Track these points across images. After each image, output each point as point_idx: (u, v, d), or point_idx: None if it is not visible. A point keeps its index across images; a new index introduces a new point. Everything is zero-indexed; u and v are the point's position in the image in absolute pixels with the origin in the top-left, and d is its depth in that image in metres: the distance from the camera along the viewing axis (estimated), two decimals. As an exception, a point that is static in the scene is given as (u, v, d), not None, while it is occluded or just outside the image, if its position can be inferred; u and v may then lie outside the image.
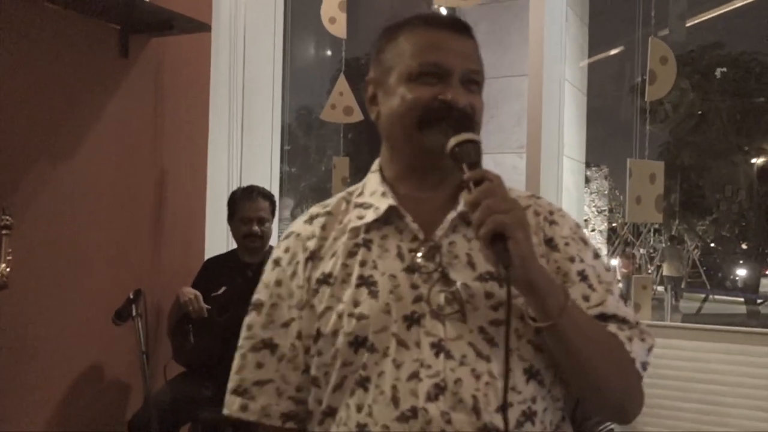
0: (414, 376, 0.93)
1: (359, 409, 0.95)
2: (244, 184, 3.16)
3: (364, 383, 0.95)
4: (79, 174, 2.71)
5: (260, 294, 1.08)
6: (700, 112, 19.66)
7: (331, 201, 1.12)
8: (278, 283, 1.06)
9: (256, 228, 2.81)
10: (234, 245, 2.96)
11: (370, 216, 1.04)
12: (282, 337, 1.04)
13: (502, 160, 3.73)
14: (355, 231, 1.04)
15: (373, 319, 0.96)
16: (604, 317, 1.00)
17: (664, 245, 17.34)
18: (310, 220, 1.10)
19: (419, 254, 1.00)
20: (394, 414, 0.92)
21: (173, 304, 2.82)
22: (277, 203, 3.01)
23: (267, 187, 3.01)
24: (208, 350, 2.67)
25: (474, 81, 1.03)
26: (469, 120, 1.00)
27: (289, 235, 1.10)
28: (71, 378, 2.72)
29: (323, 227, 1.07)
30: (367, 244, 1.02)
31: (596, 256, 1.07)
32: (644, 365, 1.00)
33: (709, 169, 19.71)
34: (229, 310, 2.68)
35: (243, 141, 3.48)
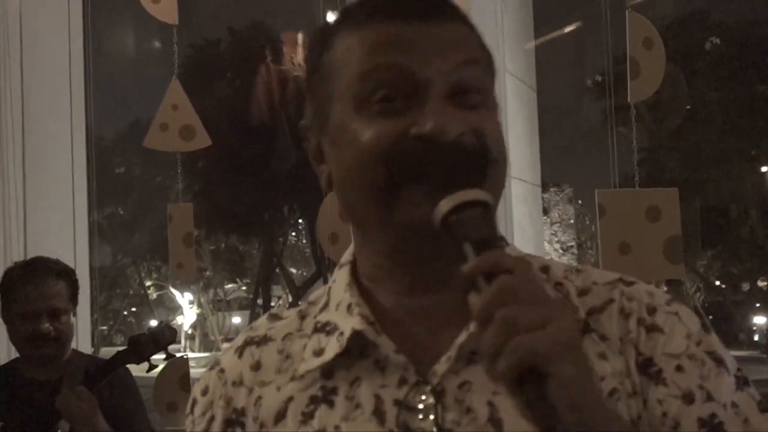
0: None
1: None
2: (30, 253, 3.02)
3: None
4: None
5: None
6: (687, 107, 20.48)
7: (282, 319, 1.01)
8: None
9: (45, 325, 2.65)
10: (14, 353, 2.83)
11: (330, 349, 0.92)
12: None
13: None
14: (311, 377, 0.92)
15: None
16: None
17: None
18: (241, 349, 0.99)
19: (419, 407, 0.87)
20: None
21: None
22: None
23: (70, 251, 2.90)
24: None
25: (472, 88, 0.90)
26: (476, 159, 0.86)
27: (213, 366, 1.00)
28: None
29: (255, 366, 0.96)
30: (328, 397, 0.91)
31: (744, 383, 0.90)
32: None
33: (706, 182, 20.50)
34: (9, 461, 2.54)
35: (26, 183, 3.34)
